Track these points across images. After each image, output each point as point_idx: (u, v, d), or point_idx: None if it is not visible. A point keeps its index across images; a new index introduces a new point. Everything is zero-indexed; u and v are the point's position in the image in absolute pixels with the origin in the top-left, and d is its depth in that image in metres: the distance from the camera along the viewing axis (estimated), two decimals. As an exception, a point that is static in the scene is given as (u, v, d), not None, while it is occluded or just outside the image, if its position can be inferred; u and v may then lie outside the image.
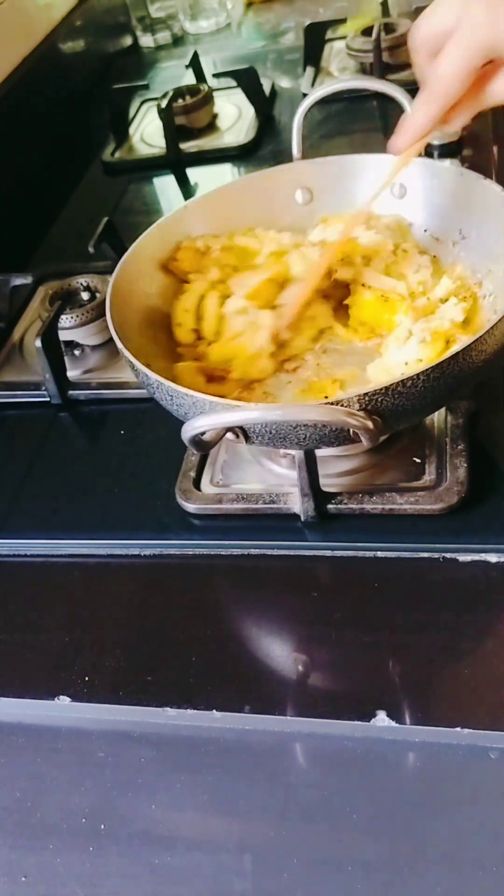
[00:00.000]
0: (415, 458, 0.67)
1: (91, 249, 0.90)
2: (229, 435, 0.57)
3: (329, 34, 1.36)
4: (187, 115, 1.24)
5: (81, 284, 0.88)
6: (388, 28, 1.25)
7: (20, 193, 1.20)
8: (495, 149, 1.01)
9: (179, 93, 1.25)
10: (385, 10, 1.31)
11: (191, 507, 0.67)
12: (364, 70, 1.26)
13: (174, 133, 1.20)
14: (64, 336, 0.83)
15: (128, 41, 1.62)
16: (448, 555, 0.61)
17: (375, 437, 0.54)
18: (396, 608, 0.59)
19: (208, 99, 1.27)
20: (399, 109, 0.74)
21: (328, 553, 0.64)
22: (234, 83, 1.28)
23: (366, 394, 0.53)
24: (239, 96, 1.28)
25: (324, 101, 0.80)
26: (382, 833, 0.50)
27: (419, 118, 0.58)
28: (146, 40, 1.61)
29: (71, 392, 0.82)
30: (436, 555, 0.61)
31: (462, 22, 0.53)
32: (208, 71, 1.35)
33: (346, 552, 0.63)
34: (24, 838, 0.54)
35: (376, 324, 0.70)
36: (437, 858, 0.48)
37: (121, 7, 1.61)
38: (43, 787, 0.56)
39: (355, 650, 0.57)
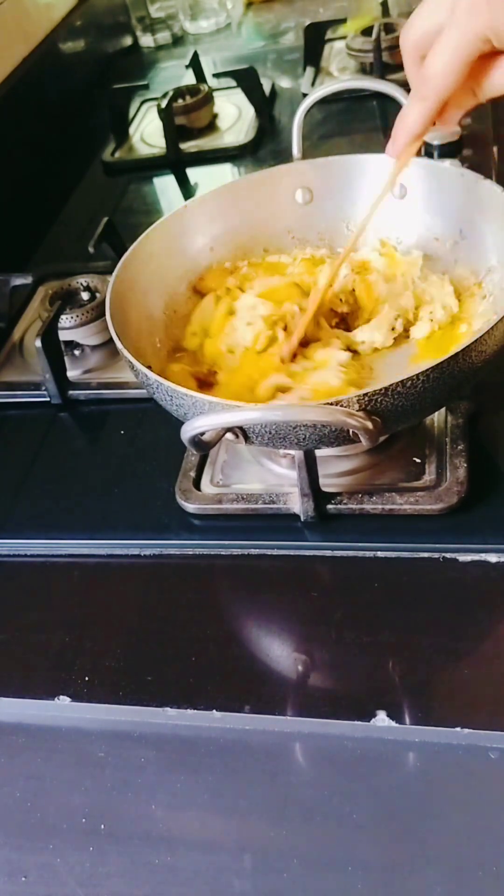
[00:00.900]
0: (415, 458, 0.67)
1: (91, 249, 0.90)
2: (229, 435, 0.57)
3: (329, 34, 1.36)
4: (187, 115, 1.24)
5: (81, 284, 0.88)
6: (388, 28, 1.25)
7: (20, 193, 1.20)
8: (495, 149, 1.01)
9: (179, 93, 1.25)
10: (385, 10, 1.31)
11: (191, 507, 0.67)
12: (364, 70, 1.26)
13: (174, 133, 1.20)
14: (64, 336, 0.83)
15: (128, 41, 1.62)
16: (448, 555, 0.61)
17: (375, 438, 0.54)
18: (396, 608, 0.59)
19: (208, 99, 1.27)
20: (399, 109, 0.74)
21: (328, 553, 0.64)
22: (234, 83, 1.28)
23: (365, 394, 0.53)
24: (239, 96, 1.28)
25: (324, 101, 0.80)
26: (382, 833, 0.50)
27: (411, 119, 0.58)
28: (146, 40, 1.61)
29: (71, 392, 0.82)
30: (436, 555, 0.61)
31: (453, 14, 0.51)
32: (208, 71, 1.35)
33: (346, 552, 0.63)
34: (24, 838, 0.54)
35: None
36: (437, 858, 0.48)
37: (121, 7, 1.61)
38: (43, 787, 0.56)
39: (355, 650, 0.57)
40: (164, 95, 1.22)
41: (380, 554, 0.63)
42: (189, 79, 1.34)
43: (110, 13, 1.60)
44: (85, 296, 0.87)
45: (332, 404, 0.53)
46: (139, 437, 0.77)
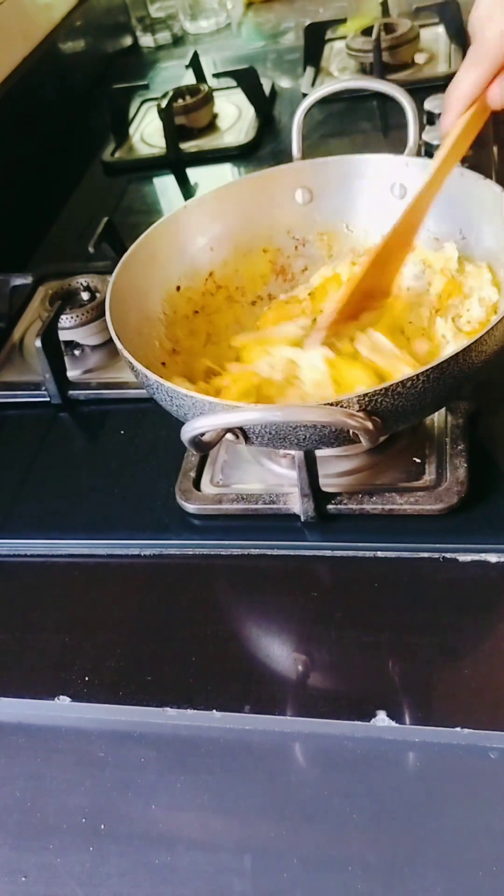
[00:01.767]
0: (415, 458, 0.67)
1: (91, 249, 0.90)
2: (229, 436, 0.57)
3: (329, 34, 1.36)
4: (187, 115, 1.24)
5: (81, 284, 0.88)
6: (388, 28, 1.25)
7: (20, 193, 1.20)
8: (495, 149, 1.01)
9: (179, 93, 1.25)
10: (385, 10, 1.31)
11: (191, 507, 0.67)
12: (364, 70, 1.26)
13: (174, 133, 1.20)
14: (64, 336, 0.83)
15: (128, 41, 1.62)
16: (448, 555, 0.61)
17: (375, 438, 0.54)
18: (396, 608, 0.59)
19: (208, 99, 1.27)
20: (399, 109, 0.75)
21: (328, 553, 0.64)
22: (234, 83, 1.28)
23: (365, 394, 0.53)
24: (239, 96, 1.28)
25: (324, 101, 0.80)
26: (382, 833, 0.50)
27: (465, 84, 0.57)
28: (146, 40, 1.61)
29: (71, 392, 0.82)
30: (436, 555, 0.61)
31: None
32: (208, 71, 1.35)
33: (346, 552, 0.63)
34: (24, 838, 0.54)
35: None
36: (437, 858, 0.48)
37: (121, 7, 1.61)
38: (43, 787, 0.56)
39: (355, 650, 0.57)
40: (164, 95, 1.22)
41: (380, 554, 0.63)
42: (189, 79, 1.34)
43: (110, 13, 1.60)
44: (85, 296, 0.87)
45: (332, 405, 0.53)
46: (139, 437, 0.77)
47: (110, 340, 0.66)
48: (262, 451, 0.70)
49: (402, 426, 0.64)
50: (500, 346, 0.57)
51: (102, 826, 0.53)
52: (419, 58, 1.25)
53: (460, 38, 1.25)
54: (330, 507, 0.64)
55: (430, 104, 1.05)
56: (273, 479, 0.69)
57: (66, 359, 0.83)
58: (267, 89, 1.28)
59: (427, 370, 0.53)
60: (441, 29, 1.30)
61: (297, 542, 0.65)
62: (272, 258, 0.80)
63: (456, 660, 0.56)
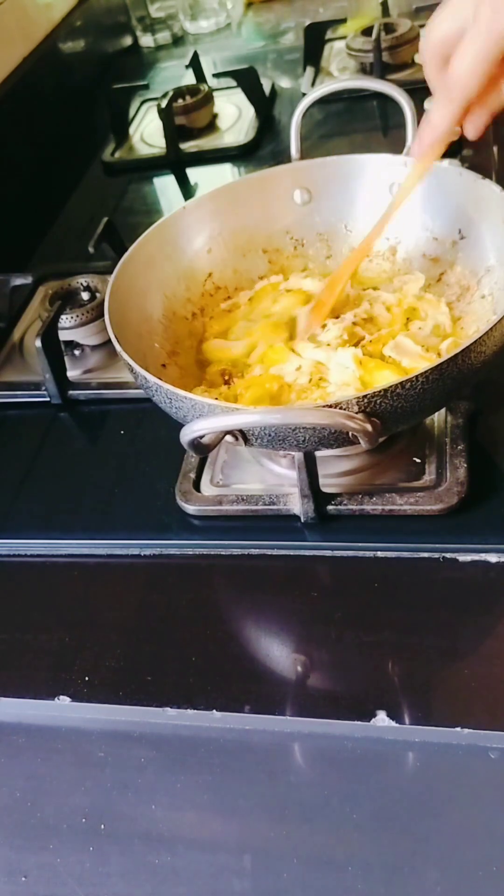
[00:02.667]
0: (415, 459, 0.67)
1: (91, 249, 0.90)
2: (228, 437, 0.57)
3: (329, 34, 1.36)
4: (187, 115, 1.24)
5: (81, 284, 0.88)
6: (388, 28, 1.25)
7: (20, 193, 1.20)
8: (495, 149, 1.01)
9: (179, 93, 1.25)
10: (385, 10, 1.32)
11: (190, 508, 0.67)
12: (364, 70, 1.26)
13: (174, 133, 1.20)
14: (64, 336, 0.83)
15: (128, 41, 1.62)
16: (448, 555, 0.61)
17: (374, 439, 0.54)
18: (396, 608, 0.59)
19: (208, 99, 1.27)
20: (399, 109, 0.75)
21: (328, 553, 0.64)
22: (234, 83, 1.28)
23: (365, 396, 0.53)
24: (239, 96, 1.28)
25: (324, 101, 0.80)
26: (382, 833, 0.50)
27: (437, 121, 0.58)
28: (146, 40, 1.61)
29: (71, 392, 0.82)
30: (436, 555, 0.61)
31: (477, 16, 0.52)
32: (208, 71, 1.35)
33: (346, 552, 0.63)
34: (24, 838, 0.54)
35: None
36: (437, 858, 0.48)
37: (121, 7, 1.61)
38: (43, 787, 0.56)
39: (355, 650, 0.57)
40: (164, 95, 1.22)
41: (380, 554, 0.63)
42: (189, 79, 1.34)
43: (110, 13, 1.60)
44: (85, 296, 0.87)
45: (331, 406, 0.53)
46: (139, 438, 0.77)
47: (110, 340, 0.66)
48: (262, 452, 0.70)
49: (402, 427, 0.64)
50: (500, 346, 0.57)
51: (102, 826, 0.53)
52: (419, 58, 1.25)
53: (460, 38, 1.25)
54: (330, 507, 0.64)
55: (429, 104, 1.04)
56: (273, 479, 0.69)
57: (66, 359, 0.83)
58: (267, 89, 1.28)
59: (426, 371, 0.53)
60: (441, 29, 1.29)
61: (297, 543, 0.65)
62: (271, 259, 0.80)
63: (456, 660, 0.56)
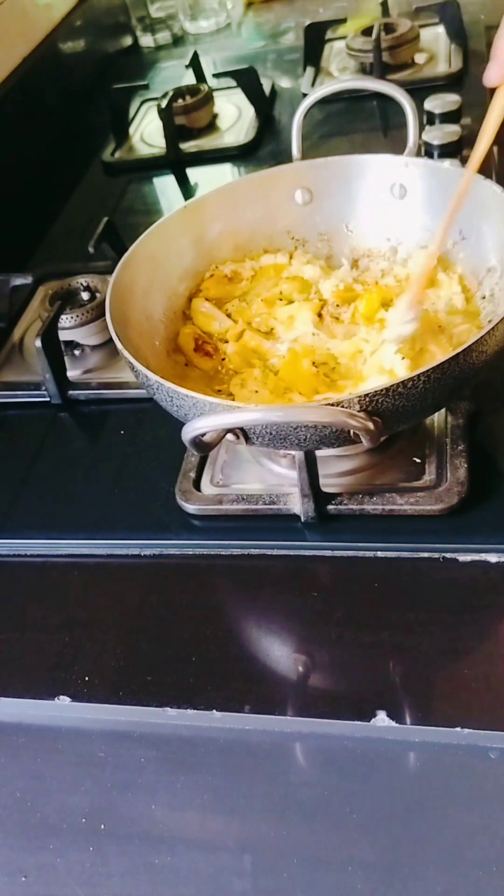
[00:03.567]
0: (415, 459, 0.67)
1: (91, 249, 0.90)
2: (229, 436, 0.57)
3: (329, 34, 1.36)
4: (187, 115, 1.24)
5: (81, 284, 0.88)
6: (388, 28, 1.25)
7: (20, 193, 1.20)
8: (495, 149, 1.01)
9: (179, 93, 1.25)
10: (385, 10, 1.31)
11: (190, 507, 0.67)
12: (364, 70, 1.26)
13: (174, 133, 1.20)
14: (64, 336, 0.83)
15: (128, 41, 1.62)
16: (448, 555, 0.61)
17: (376, 438, 0.54)
18: (396, 608, 0.59)
19: (208, 99, 1.27)
20: (399, 109, 0.75)
21: (328, 553, 0.64)
22: (234, 83, 1.28)
23: (366, 395, 0.53)
24: (239, 96, 1.28)
25: (324, 101, 0.80)
26: (382, 833, 0.50)
27: None
28: (146, 40, 1.61)
29: (71, 392, 0.82)
30: (436, 555, 0.61)
31: None
32: (208, 71, 1.35)
33: (346, 552, 0.63)
34: (24, 838, 0.54)
35: None
36: (437, 858, 0.48)
37: (121, 7, 1.61)
38: (43, 787, 0.56)
39: (355, 650, 0.57)
40: (164, 95, 1.22)
41: (380, 554, 0.63)
42: (189, 79, 1.34)
43: (110, 13, 1.60)
44: (85, 296, 0.87)
45: (332, 405, 0.53)
46: (139, 437, 0.77)
47: (110, 340, 0.67)
48: (262, 452, 0.70)
49: (403, 426, 0.64)
50: (500, 346, 0.57)
51: (102, 826, 0.53)
52: (419, 58, 1.25)
53: (460, 38, 1.25)
54: (330, 507, 0.64)
55: (430, 104, 1.05)
56: (273, 479, 0.69)
57: (66, 359, 0.83)
58: (267, 89, 1.28)
59: (427, 370, 0.53)
60: (441, 29, 1.30)
61: (298, 543, 0.65)
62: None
63: (456, 660, 0.56)
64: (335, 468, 0.67)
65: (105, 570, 0.67)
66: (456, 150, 0.99)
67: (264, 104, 1.26)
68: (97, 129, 1.33)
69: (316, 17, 1.45)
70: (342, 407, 0.53)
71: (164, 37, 1.60)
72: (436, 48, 1.28)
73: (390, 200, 0.76)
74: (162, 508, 0.69)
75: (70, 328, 0.84)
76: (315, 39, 1.33)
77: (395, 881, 0.48)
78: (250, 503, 0.66)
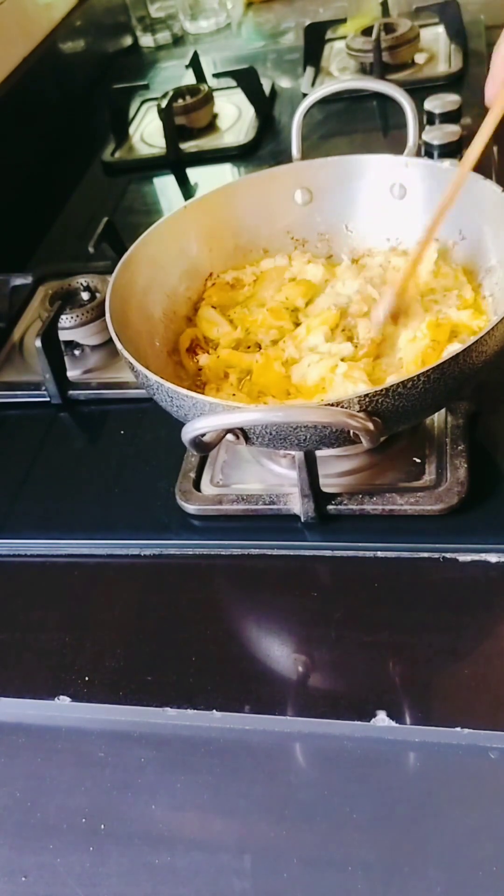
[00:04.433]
0: (415, 459, 0.67)
1: (91, 249, 0.90)
2: (229, 436, 0.57)
3: (329, 34, 1.36)
4: (187, 115, 1.24)
5: (81, 284, 0.88)
6: (388, 28, 1.25)
7: (20, 193, 1.20)
8: (495, 149, 1.01)
9: (179, 93, 1.25)
10: (385, 10, 1.31)
11: (190, 507, 0.67)
12: (364, 70, 1.26)
13: (174, 133, 1.20)
14: (64, 336, 0.83)
15: (128, 41, 1.62)
16: (448, 555, 0.61)
17: (376, 438, 0.54)
18: (396, 608, 0.59)
19: (208, 99, 1.27)
20: (399, 109, 0.75)
21: (328, 553, 0.64)
22: (234, 83, 1.28)
23: (366, 395, 0.53)
24: (239, 96, 1.28)
25: (324, 101, 0.80)
26: (382, 833, 0.50)
27: None
28: (146, 40, 1.61)
29: (71, 392, 0.82)
30: (436, 555, 0.61)
31: None
32: (208, 71, 1.35)
33: (346, 552, 0.63)
34: (24, 838, 0.54)
35: None
36: (437, 858, 0.48)
37: (121, 7, 1.61)
38: (43, 787, 0.56)
39: (355, 650, 0.57)
40: (164, 95, 1.22)
41: (380, 554, 0.63)
42: (189, 79, 1.34)
43: (110, 13, 1.60)
44: (85, 296, 0.87)
45: (332, 405, 0.53)
46: (139, 437, 0.77)
47: (110, 340, 0.66)
48: (262, 452, 0.70)
49: (403, 426, 0.64)
50: (500, 346, 0.57)
51: (102, 826, 0.53)
52: (419, 58, 1.25)
53: (460, 38, 1.25)
54: (330, 507, 0.64)
55: (430, 104, 1.05)
56: (273, 479, 0.69)
57: (66, 359, 0.83)
58: (267, 89, 1.28)
59: (427, 371, 0.53)
60: (441, 29, 1.30)
61: (297, 543, 0.65)
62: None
63: (456, 660, 0.56)
64: (335, 468, 0.67)
65: (105, 570, 0.67)
66: (456, 150, 0.99)
67: (264, 104, 1.26)
68: (97, 129, 1.33)
69: (316, 17, 1.45)
70: (342, 407, 0.53)
71: (164, 37, 1.60)
72: (436, 48, 1.28)
73: (390, 200, 0.76)
74: (162, 508, 0.69)
75: (70, 328, 0.84)
76: (315, 39, 1.33)
77: (395, 881, 0.48)
78: (250, 503, 0.66)
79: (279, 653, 0.60)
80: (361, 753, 0.53)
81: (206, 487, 0.69)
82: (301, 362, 0.68)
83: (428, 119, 1.05)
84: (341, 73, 1.29)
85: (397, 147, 0.75)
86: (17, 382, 0.85)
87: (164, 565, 0.66)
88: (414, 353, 0.65)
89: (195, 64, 1.34)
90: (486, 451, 0.67)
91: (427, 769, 0.52)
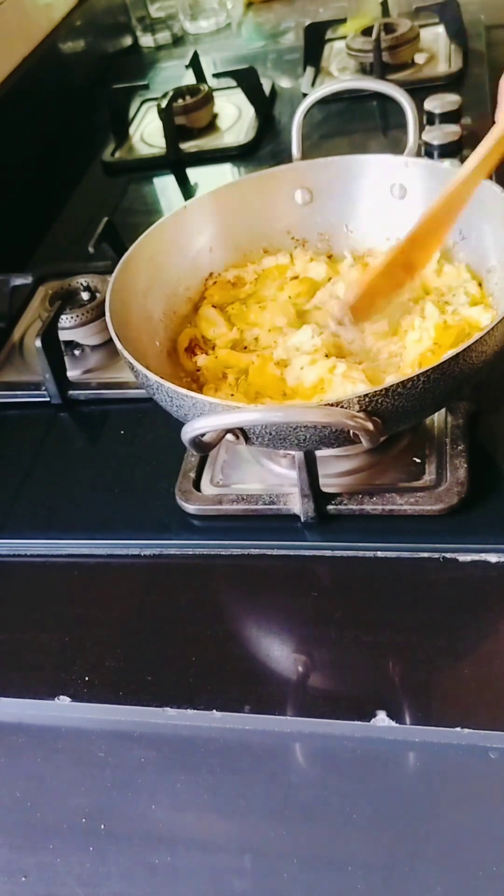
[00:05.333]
0: (415, 459, 0.67)
1: (91, 249, 0.90)
2: (229, 436, 0.57)
3: (329, 34, 1.36)
4: (187, 115, 1.24)
5: (81, 284, 0.88)
6: (388, 28, 1.25)
7: (20, 193, 1.20)
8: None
9: (179, 93, 1.25)
10: (385, 10, 1.32)
11: (190, 507, 0.67)
12: (364, 70, 1.26)
13: (174, 133, 1.20)
14: (64, 336, 0.83)
15: (128, 41, 1.62)
16: (448, 555, 0.61)
17: (375, 439, 0.54)
18: (396, 608, 0.59)
19: (208, 99, 1.27)
20: (399, 109, 0.75)
21: (328, 553, 0.64)
22: (234, 83, 1.28)
23: (366, 395, 0.53)
24: (239, 96, 1.28)
25: (324, 101, 0.80)
26: (382, 833, 0.50)
27: None
28: (146, 40, 1.61)
29: (71, 392, 0.82)
30: (436, 555, 0.61)
31: None
32: (208, 71, 1.35)
33: (346, 552, 0.63)
34: (24, 838, 0.54)
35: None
36: (437, 858, 0.48)
37: (121, 7, 1.61)
38: (43, 787, 0.56)
39: (355, 650, 0.57)
40: (164, 95, 1.22)
41: (380, 554, 0.63)
42: (189, 79, 1.34)
43: (110, 13, 1.60)
44: (85, 296, 0.87)
45: (332, 405, 0.53)
46: (139, 437, 0.77)
47: (110, 340, 0.66)
48: (262, 452, 0.70)
49: (403, 427, 0.64)
50: (500, 346, 0.57)
51: (102, 826, 0.53)
52: (419, 58, 1.25)
53: (460, 38, 1.25)
54: (330, 507, 0.64)
55: (430, 104, 1.05)
56: (273, 479, 0.69)
57: (66, 359, 0.83)
58: (267, 89, 1.29)
59: (427, 371, 0.53)
60: (441, 29, 1.30)
61: (297, 543, 0.65)
62: (272, 259, 0.80)
63: (456, 660, 0.56)
64: (335, 468, 0.67)
65: (105, 570, 0.67)
66: (456, 150, 0.99)
67: (264, 104, 1.26)
68: (97, 129, 1.33)
69: (316, 17, 1.45)
70: (341, 407, 0.53)
71: (164, 37, 1.60)
72: (436, 48, 1.28)
73: (390, 200, 0.76)
74: (162, 508, 0.69)
75: (70, 328, 0.84)
76: (315, 39, 1.33)
77: (395, 881, 0.48)
78: (250, 503, 0.66)
79: (279, 653, 0.60)
80: (361, 753, 0.53)
81: (206, 487, 0.69)
82: (292, 364, 0.67)
83: (428, 119, 1.05)
84: (341, 73, 1.29)
85: (397, 147, 0.76)
86: (17, 382, 0.85)
87: (164, 565, 0.66)
88: (414, 354, 0.65)
89: (195, 64, 1.34)
90: (486, 451, 0.67)
91: (427, 769, 0.52)
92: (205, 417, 0.54)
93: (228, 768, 0.54)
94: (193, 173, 1.19)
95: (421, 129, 0.94)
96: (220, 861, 0.51)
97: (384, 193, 0.76)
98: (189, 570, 0.66)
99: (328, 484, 0.65)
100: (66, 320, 0.83)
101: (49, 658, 0.62)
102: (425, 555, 0.62)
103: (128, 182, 1.21)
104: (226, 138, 1.24)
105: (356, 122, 1.19)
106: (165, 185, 1.20)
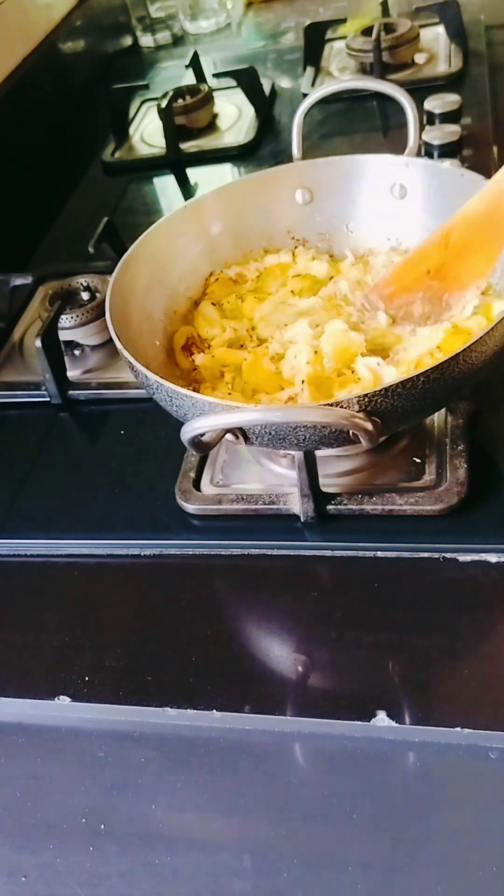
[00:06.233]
0: (415, 459, 0.67)
1: (91, 249, 0.90)
2: (229, 436, 0.57)
3: (329, 34, 1.36)
4: (187, 115, 1.24)
5: (81, 284, 0.88)
6: (388, 28, 1.25)
7: (20, 193, 1.20)
8: (495, 149, 1.01)
9: (179, 93, 1.25)
10: (385, 10, 1.32)
11: (190, 507, 0.67)
12: (364, 70, 1.26)
13: (174, 133, 1.20)
14: (64, 336, 0.83)
15: (128, 41, 1.62)
16: (448, 555, 0.61)
17: (375, 439, 0.54)
18: (396, 608, 0.59)
19: (208, 99, 1.27)
20: (399, 109, 0.75)
21: (328, 553, 0.64)
22: (234, 83, 1.28)
23: (365, 395, 0.53)
24: (239, 96, 1.28)
25: (324, 101, 0.80)
26: (382, 833, 0.50)
27: None
28: (146, 40, 1.61)
29: (71, 392, 0.82)
30: (436, 555, 0.61)
31: None
32: (208, 71, 1.35)
33: (346, 552, 0.63)
34: (24, 838, 0.54)
35: None
36: (437, 858, 0.48)
37: (121, 7, 1.61)
38: (43, 787, 0.56)
39: (355, 650, 0.57)
40: (164, 95, 1.22)
41: (380, 554, 0.63)
42: (189, 79, 1.34)
43: (110, 13, 1.60)
44: (85, 296, 0.87)
45: (331, 405, 0.53)
46: (139, 437, 0.77)
47: (110, 340, 0.66)
48: (261, 452, 0.70)
49: (403, 427, 0.64)
50: (500, 346, 0.57)
51: (102, 826, 0.53)
52: (419, 58, 1.25)
53: (460, 38, 1.25)
54: (330, 507, 0.64)
55: (430, 104, 1.05)
56: (273, 479, 0.69)
57: (66, 359, 0.83)
58: (267, 89, 1.29)
59: (427, 371, 0.53)
60: (441, 29, 1.30)
61: (297, 543, 0.65)
62: (272, 258, 0.80)
63: (456, 660, 0.56)
64: (335, 468, 0.67)
65: (105, 570, 0.67)
66: (456, 150, 0.99)
67: (264, 104, 1.26)
68: (97, 129, 1.33)
69: (316, 17, 1.45)
70: (341, 407, 0.53)
71: (164, 37, 1.60)
72: (436, 48, 1.28)
73: (390, 200, 0.76)
74: (162, 508, 0.69)
75: (70, 328, 0.84)
76: (315, 39, 1.33)
77: (395, 881, 0.48)
78: (250, 503, 0.66)
79: (279, 653, 0.60)
80: (361, 753, 0.53)
81: (206, 487, 0.69)
82: (287, 356, 0.67)
83: (428, 119, 1.05)
84: (341, 73, 1.29)
85: (397, 147, 0.75)
86: (17, 382, 0.85)
87: (164, 565, 0.66)
88: (414, 355, 0.65)
89: (195, 64, 1.34)
90: (486, 451, 0.67)
91: (427, 769, 0.52)
92: (204, 417, 0.54)
93: (228, 768, 0.54)
94: (193, 173, 1.19)
95: (421, 129, 0.94)
96: (220, 861, 0.51)
97: (384, 193, 0.76)
98: (189, 570, 0.66)
99: (328, 484, 0.65)
100: (66, 320, 0.83)
101: (49, 658, 0.62)
102: (425, 555, 0.62)
103: (128, 182, 1.21)
104: (226, 138, 1.24)
105: (356, 122, 1.19)
106: (165, 185, 1.20)
